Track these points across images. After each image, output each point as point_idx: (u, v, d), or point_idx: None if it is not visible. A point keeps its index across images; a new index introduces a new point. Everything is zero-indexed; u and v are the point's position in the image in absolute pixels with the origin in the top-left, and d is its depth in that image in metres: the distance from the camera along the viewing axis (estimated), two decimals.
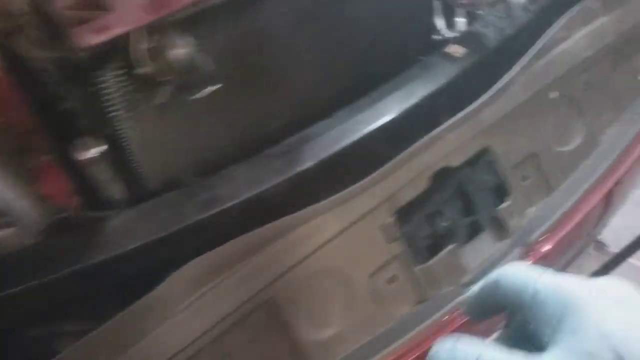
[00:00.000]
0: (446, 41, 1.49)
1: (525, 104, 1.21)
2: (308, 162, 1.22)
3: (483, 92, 1.38)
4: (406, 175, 1.11)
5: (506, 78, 1.18)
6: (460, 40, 1.47)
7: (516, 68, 1.19)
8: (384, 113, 1.31)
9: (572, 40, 1.24)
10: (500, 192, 1.22)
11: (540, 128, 1.25)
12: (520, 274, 0.51)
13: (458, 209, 1.18)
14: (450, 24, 1.58)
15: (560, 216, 1.23)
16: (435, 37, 1.58)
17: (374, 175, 1.11)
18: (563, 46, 1.23)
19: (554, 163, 1.26)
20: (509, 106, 1.19)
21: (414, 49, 1.59)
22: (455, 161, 1.16)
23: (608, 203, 1.31)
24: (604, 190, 1.27)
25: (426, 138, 1.13)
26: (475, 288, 0.56)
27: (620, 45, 1.31)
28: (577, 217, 1.24)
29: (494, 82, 1.47)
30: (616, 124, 1.34)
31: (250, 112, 1.33)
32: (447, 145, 1.14)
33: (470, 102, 1.38)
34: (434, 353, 0.51)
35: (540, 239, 1.20)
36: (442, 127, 1.13)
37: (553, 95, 1.24)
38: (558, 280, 0.49)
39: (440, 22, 1.60)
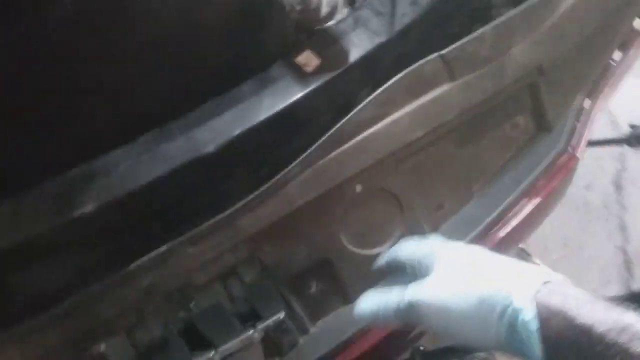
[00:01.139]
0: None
1: (314, 203, 0.92)
2: (86, 205, 0.99)
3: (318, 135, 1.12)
4: (118, 300, 0.87)
5: (280, 175, 0.88)
6: (322, 41, 1.15)
7: (295, 162, 0.89)
8: (194, 146, 1.06)
9: (392, 119, 0.91)
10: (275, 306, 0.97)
11: (338, 229, 0.96)
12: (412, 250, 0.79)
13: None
14: None
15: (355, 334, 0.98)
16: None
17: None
18: (375, 128, 0.91)
19: (356, 270, 0.99)
20: (283, 209, 0.90)
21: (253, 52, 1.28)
22: (200, 278, 0.91)
23: None
24: None
25: (158, 251, 0.88)
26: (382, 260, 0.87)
27: (472, 119, 0.97)
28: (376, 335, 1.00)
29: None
30: (460, 216, 1.04)
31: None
32: (189, 260, 0.89)
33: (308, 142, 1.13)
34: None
35: None
36: (179, 239, 0.87)
37: (359, 189, 0.94)
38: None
39: None
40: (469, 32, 1.39)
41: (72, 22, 0.94)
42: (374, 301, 0.75)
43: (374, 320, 0.76)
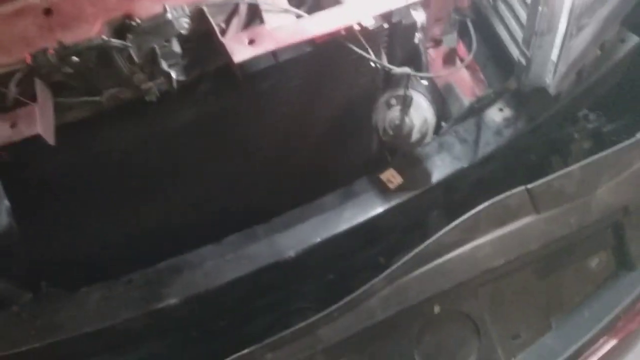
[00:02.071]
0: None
1: (393, 319, 0.94)
2: (171, 298, 1.08)
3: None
4: None
5: (363, 288, 0.92)
6: (406, 161, 1.21)
7: (380, 278, 0.92)
8: (276, 250, 1.13)
9: (474, 245, 0.94)
10: None
11: (413, 347, 0.97)
12: None
13: None
14: None
15: None
16: None
17: None
18: (458, 252, 0.94)
19: None
20: (363, 322, 0.93)
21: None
22: None
23: None
24: None
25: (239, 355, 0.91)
26: None
27: (554, 251, 0.99)
28: None
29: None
30: (536, 347, 1.03)
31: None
32: None
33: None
34: None
35: None
36: (260, 345, 0.90)
37: (437, 309, 0.96)
38: None
39: None
40: (548, 162, 1.44)
41: (191, 128, 1.05)
42: None
43: None
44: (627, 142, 0.99)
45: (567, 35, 0.98)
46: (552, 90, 1.08)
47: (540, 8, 0.98)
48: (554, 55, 1.03)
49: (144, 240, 1.22)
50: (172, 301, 1.09)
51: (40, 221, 1.08)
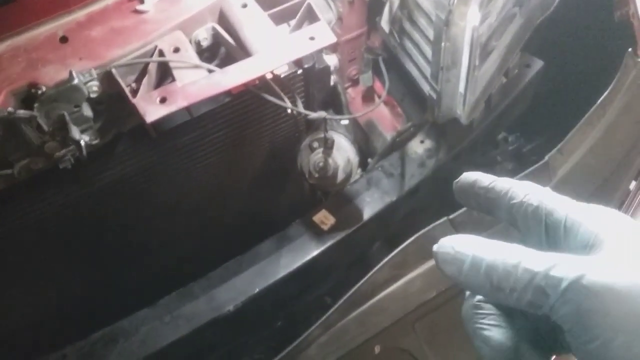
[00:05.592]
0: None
1: None
2: None
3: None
4: None
5: (302, 337, 0.91)
6: (337, 201, 1.23)
7: (316, 325, 0.92)
8: (214, 306, 1.11)
9: (406, 280, 0.96)
10: None
11: None
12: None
13: None
14: None
15: None
16: None
17: None
18: (391, 289, 0.95)
19: None
20: None
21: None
22: None
23: None
24: None
25: None
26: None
27: None
28: None
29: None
30: None
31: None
32: None
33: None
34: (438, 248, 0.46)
35: None
36: None
37: (377, 350, 0.96)
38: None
39: None
40: None
41: (111, 191, 1.03)
42: (478, 249, 0.44)
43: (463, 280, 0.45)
44: (534, 167, 1.03)
45: (471, 67, 1.02)
46: (463, 120, 1.12)
47: (443, 44, 1.02)
48: (461, 87, 1.07)
49: (73, 310, 1.17)
50: None
51: None
